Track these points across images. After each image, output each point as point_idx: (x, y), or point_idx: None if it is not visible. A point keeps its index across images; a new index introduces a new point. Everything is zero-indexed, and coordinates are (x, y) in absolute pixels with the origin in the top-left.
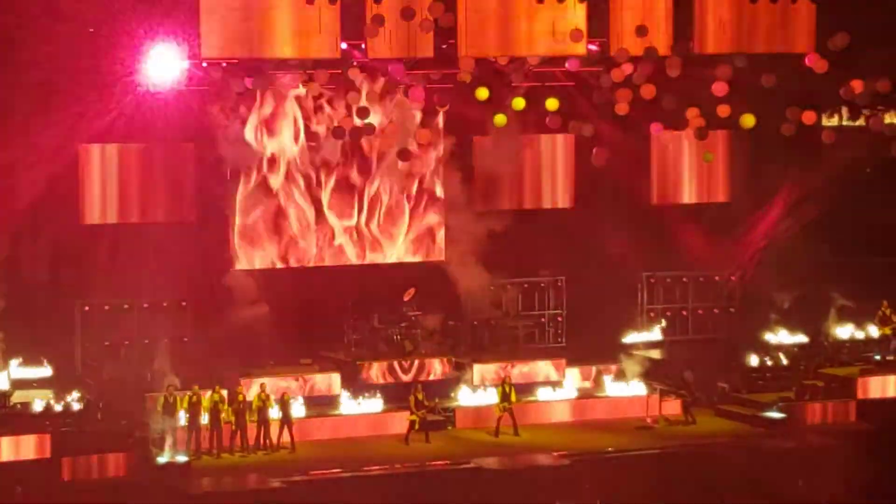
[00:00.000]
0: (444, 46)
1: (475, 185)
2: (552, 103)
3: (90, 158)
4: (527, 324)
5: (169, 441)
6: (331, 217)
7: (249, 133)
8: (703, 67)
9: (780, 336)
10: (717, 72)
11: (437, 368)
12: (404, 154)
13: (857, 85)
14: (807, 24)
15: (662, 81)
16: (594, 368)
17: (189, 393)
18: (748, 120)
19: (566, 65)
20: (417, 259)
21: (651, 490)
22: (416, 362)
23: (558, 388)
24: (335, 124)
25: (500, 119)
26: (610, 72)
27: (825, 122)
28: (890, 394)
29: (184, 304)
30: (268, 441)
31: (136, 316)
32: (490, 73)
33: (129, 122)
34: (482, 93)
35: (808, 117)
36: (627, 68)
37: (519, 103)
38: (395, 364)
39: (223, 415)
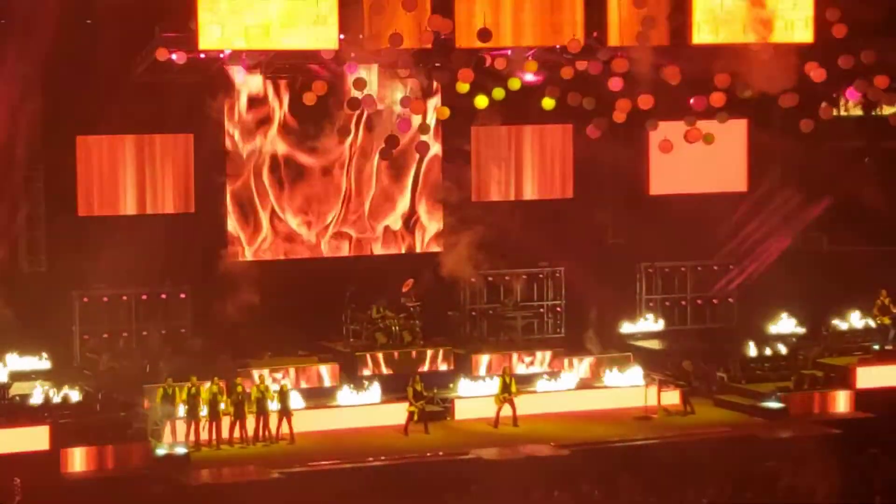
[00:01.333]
0: (442, 37)
1: (474, 176)
2: (548, 103)
3: (88, 149)
4: (525, 314)
5: (168, 432)
6: (329, 208)
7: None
8: (701, 60)
9: (779, 326)
10: (715, 80)
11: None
12: (392, 142)
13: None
14: (804, 14)
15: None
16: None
17: (188, 384)
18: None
19: (561, 72)
20: (416, 250)
21: (650, 480)
22: (415, 353)
23: (557, 379)
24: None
25: (497, 92)
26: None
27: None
28: (888, 383)
29: (182, 295)
30: (267, 432)
31: (134, 307)
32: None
33: (129, 112)
34: (481, 101)
35: (806, 125)
36: (621, 66)
37: (514, 83)
38: (394, 355)
39: (222, 406)
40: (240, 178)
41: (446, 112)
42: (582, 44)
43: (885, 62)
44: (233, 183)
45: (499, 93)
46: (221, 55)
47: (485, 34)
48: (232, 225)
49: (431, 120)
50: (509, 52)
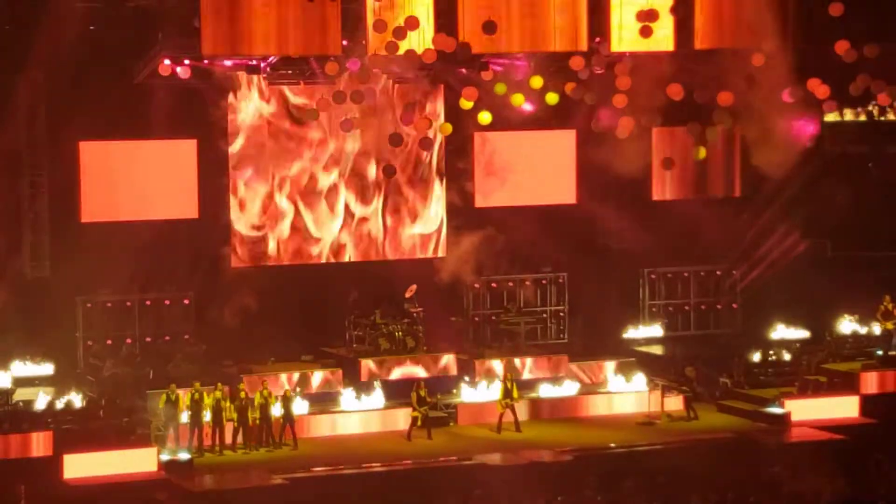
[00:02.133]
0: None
1: (476, 182)
2: (552, 97)
3: (92, 155)
4: (529, 320)
5: (171, 438)
6: (333, 213)
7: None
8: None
9: (783, 331)
10: (718, 98)
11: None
12: (395, 139)
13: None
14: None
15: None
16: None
17: (191, 390)
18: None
19: (565, 88)
20: (419, 255)
21: (653, 486)
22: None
23: (561, 384)
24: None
25: (499, 87)
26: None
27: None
28: (893, 389)
29: (186, 301)
30: (270, 438)
31: (138, 313)
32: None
33: (132, 118)
34: (484, 118)
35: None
36: (625, 83)
37: (518, 99)
38: (397, 360)
39: (225, 412)
40: (243, 183)
41: (449, 128)
42: (583, 62)
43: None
44: (236, 188)
45: (500, 88)
46: (225, 61)
47: (489, 26)
48: (236, 230)
49: (434, 131)
50: (518, 61)
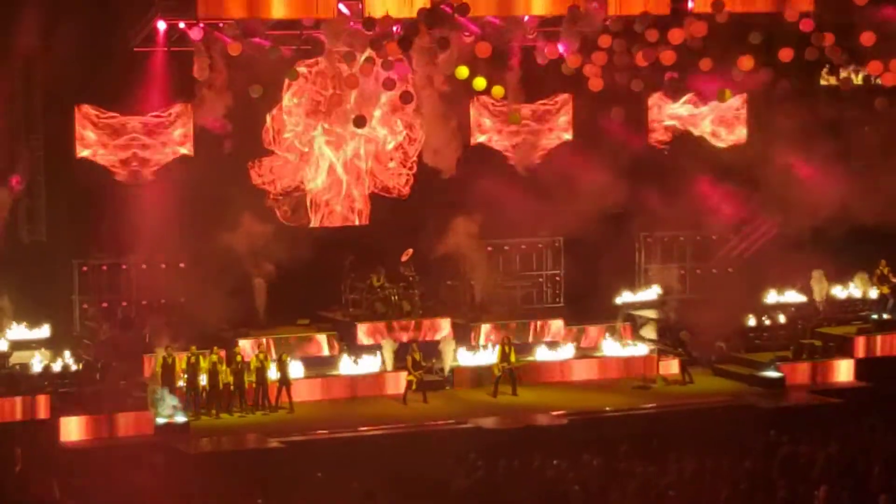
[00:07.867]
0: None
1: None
2: (498, 90)
3: (88, 118)
4: (525, 284)
5: (167, 402)
6: (328, 176)
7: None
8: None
9: (778, 295)
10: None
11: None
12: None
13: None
14: None
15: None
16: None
17: (187, 354)
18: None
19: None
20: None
21: (649, 449)
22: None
23: (557, 348)
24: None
25: (497, 90)
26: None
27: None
28: (887, 353)
29: (182, 264)
30: (266, 401)
31: (134, 276)
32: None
33: (128, 81)
34: (463, 72)
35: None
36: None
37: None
38: (393, 324)
39: (221, 375)
40: (239, 149)
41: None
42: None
43: None
44: (233, 153)
45: (498, 90)
46: (221, 24)
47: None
48: (231, 194)
49: None
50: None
